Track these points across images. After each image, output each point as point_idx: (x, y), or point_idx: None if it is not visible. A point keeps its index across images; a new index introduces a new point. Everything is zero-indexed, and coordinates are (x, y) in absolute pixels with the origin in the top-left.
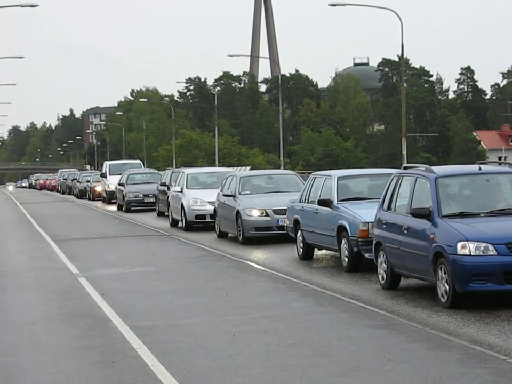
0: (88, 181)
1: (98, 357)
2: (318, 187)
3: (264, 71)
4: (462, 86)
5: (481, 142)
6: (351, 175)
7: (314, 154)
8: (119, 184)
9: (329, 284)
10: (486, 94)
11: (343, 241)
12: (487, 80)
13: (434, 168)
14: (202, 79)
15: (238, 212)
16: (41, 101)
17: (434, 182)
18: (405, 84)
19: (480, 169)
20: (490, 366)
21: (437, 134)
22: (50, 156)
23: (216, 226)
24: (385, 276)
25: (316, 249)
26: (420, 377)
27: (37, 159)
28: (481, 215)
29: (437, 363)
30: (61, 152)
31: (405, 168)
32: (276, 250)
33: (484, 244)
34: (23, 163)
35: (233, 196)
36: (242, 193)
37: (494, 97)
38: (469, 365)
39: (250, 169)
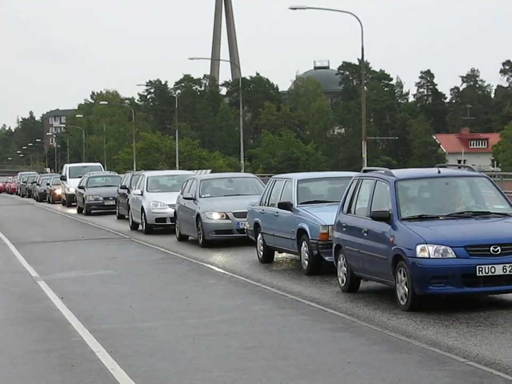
0: (48, 184)
1: (58, 360)
2: (278, 190)
3: (224, 74)
4: (421, 90)
5: (440, 145)
6: (311, 178)
7: (275, 158)
8: (79, 187)
9: (289, 287)
10: (445, 98)
11: (303, 244)
12: (446, 83)
13: (393, 171)
14: (163, 82)
15: (198, 215)
16: (1, 103)
17: (394, 185)
18: (365, 87)
19: (439, 172)
20: (449, 369)
21: (397, 137)
22: (10, 158)
23: (177, 229)
24: (345, 279)
25: (276, 252)
26: (379, 380)
27: None
28: (441, 218)
29: (396, 365)
30: (21, 155)
31: (365, 171)
32: (236, 253)
33: (443, 247)
34: None
35: (194, 199)
36: (203, 196)
37: (454, 101)
38: (428, 367)
39: (211, 172)
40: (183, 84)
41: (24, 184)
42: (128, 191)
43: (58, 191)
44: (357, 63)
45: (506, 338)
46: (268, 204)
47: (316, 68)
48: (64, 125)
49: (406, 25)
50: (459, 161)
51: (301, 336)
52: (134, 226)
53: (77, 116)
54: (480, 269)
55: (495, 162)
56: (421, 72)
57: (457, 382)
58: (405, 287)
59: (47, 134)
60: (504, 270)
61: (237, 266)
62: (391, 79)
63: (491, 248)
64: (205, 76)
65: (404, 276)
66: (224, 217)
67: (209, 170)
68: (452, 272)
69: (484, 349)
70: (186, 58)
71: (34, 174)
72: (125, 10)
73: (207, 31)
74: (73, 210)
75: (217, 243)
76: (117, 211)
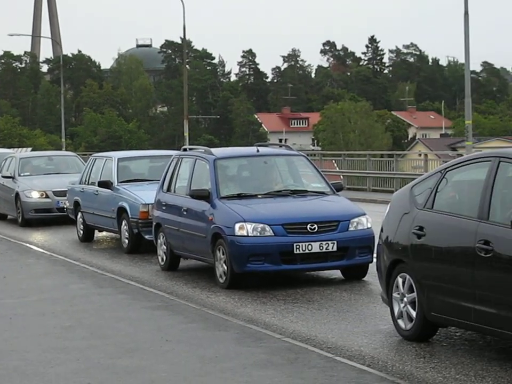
0: None
1: None
2: (99, 168)
3: (46, 51)
4: (243, 69)
5: (262, 124)
6: (131, 156)
7: (97, 136)
8: None
9: (109, 266)
10: (267, 77)
11: (123, 223)
12: (268, 63)
13: (213, 150)
14: None
15: (17, 194)
16: None
17: (213, 163)
18: (187, 66)
19: (258, 151)
20: (265, 345)
21: (218, 116)
22: None
23: None
24: (165, 257)
25: (96, 231)
26: (197, 357)
27: None
28: (259, 196)
29: (213, 343)
30: None
31: (185, 149)
32: (56, 232)
33: (261, 225)
34: None
35: (13, 178)
36: (22, 174)
37: (275, 80)
38: (244, 344)
39: (32, 150)
40: (2, 61)
41: None
42: None
43: None
44: (180, 41)
45: (322, 314)
46: (88, 182)
47: (138, 46)
48: None
49: (228, 4)
50: (280, 140)
51: (120, 314)
52: None
53: None
54: (298, 246)
55: (316, 141)
56: (243, 51)
57: (273, 358)
58: (224, 265)
59: None
60: (321, 248)
61: (56, 245)
62: (214, 58)
63: (308, 226)
64: (25, 52)
65: (223, 254)
66: (44, 196)
67: (29, 149)
68: (270, 250)
69: (300, 325)
70: (6, 35)
71: None
72: None
73: (27, 7)
74: None
75: (37, 222)
76: None
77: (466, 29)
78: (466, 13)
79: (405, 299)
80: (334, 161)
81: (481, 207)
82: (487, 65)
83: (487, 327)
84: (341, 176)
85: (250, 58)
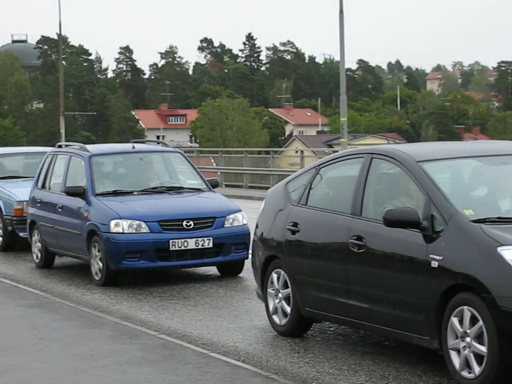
0: None
1: None
2: None
3: None
4: (121, 65)
5: (140, 121)
6: (5, 153)
7: None
8: None
9: None
10: (144, 74)
11: None
12: (145, 59)
13: (88, 146)
14: None
15: None
16: None
17: (88, 160)
18: (63, 62)
19: (134, 147)
20: (140, 342)
21: (95, 113)
22: None
23: None
24: (39, 255)
25: None
26: (71, 355)
27: None
28: (135, 193)
29: (88, 340)
30: None
31: (60, 146)
32: None
33: (137, 222)
34: None
35: None
36: None
37: (153, 77)
38: (119, 342)
39: None
40: None
41: None
42: None
43: None
44: (56, 37)
45: (198, 311)
46: None
47: (13, 41)
48: None
49: (105, 0)
50: (158, 137)
51: None
52: None
53: None
54: (173, 243)
55: (193, 138)
56: (120, 47)
57: (148, 354)
58: (100, 262)
59: None
60: (197, 244)
61: None
62: (90, 54)
63: (184, 223)
64: None
65: (99, 251)
66: None
67: None
68: (146, 247)
69: (175, 322)
70: None
71: None
72: None
73: None
74: None
75: None
76: None
77: (341, 27)
78: (341, 11)
79: (280, 295)
80: (211, 158)
81: (354, 203)
82: (362, 63)
83: (361, 322)
84: (219, 173)
85: (127, 54)
